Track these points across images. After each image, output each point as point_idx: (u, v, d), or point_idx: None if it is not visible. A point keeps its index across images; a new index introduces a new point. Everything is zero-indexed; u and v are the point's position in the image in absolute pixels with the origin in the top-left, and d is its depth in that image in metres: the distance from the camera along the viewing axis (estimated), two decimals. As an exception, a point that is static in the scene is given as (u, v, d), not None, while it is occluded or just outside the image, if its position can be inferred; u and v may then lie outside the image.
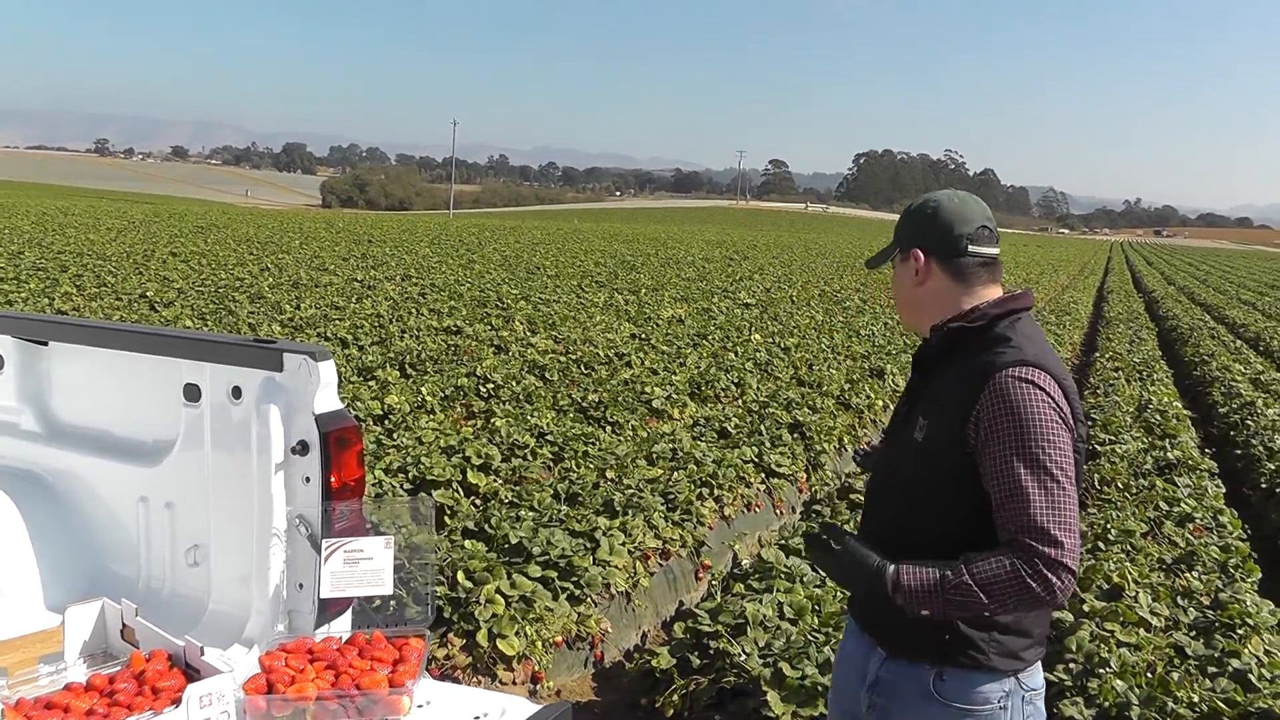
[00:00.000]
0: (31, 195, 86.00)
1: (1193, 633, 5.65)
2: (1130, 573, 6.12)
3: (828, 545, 2.63)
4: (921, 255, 2.75)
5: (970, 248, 2.72)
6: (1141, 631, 5.49)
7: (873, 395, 12.26)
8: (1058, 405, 2.53)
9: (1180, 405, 12.88)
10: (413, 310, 17.79)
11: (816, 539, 2.67)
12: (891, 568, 2.51)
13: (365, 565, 3.09)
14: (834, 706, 3.10)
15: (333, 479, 3.14)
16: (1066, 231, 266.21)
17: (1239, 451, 10.91)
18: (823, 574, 3.05)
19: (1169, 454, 9.56)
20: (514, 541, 5.80)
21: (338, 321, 15.52)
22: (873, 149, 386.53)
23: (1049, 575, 2.38)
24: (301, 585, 3.27)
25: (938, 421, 2.65)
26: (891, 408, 12.89)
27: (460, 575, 5.25)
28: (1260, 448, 10.53)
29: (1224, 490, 9.02)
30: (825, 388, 12.19)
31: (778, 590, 5.48)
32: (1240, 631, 5.57)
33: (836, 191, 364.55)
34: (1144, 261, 75.24)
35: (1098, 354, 18.47)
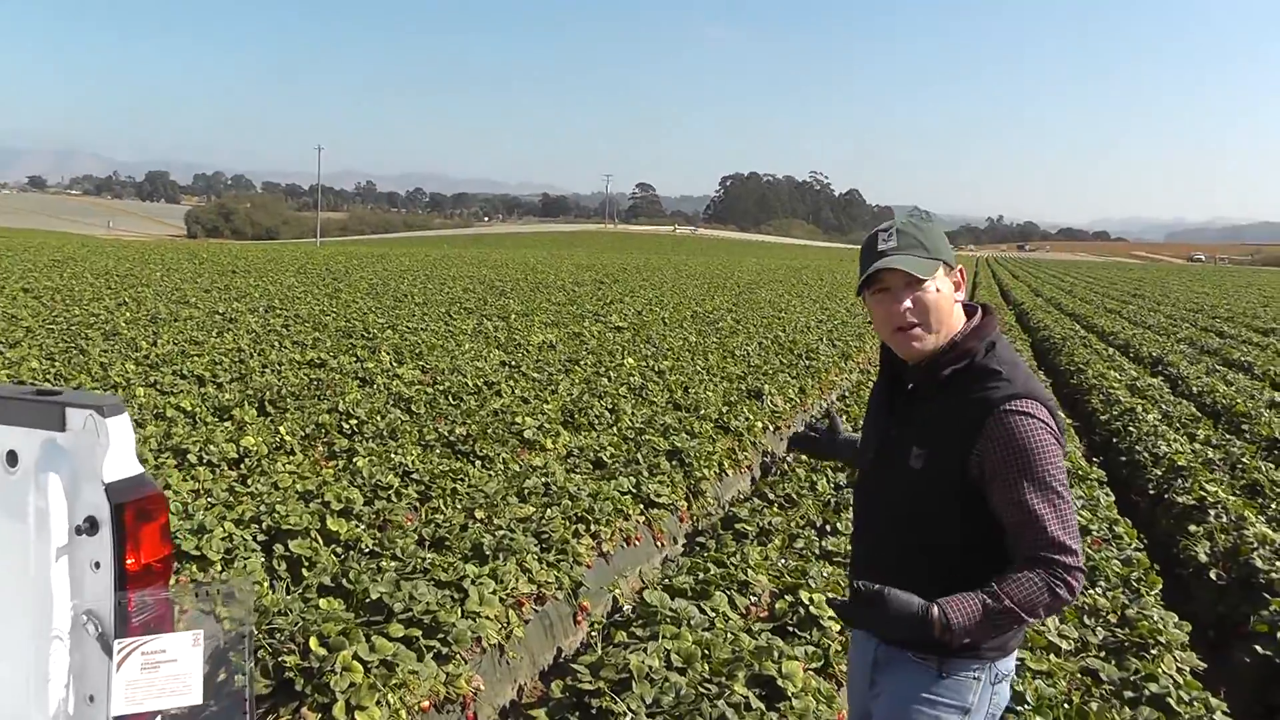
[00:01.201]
0: None
1: (1104, 654, 5.48)
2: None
3: (868, 600, 2.70)
4: (963, 273, 3.00)
5: None
6: (1053, 657, 5.24)
7: (751, 417, 11.93)
8: (1052, 430, 2.79)
9: (1063, 415, 12.78)
10: (275, 343, 17.06)
11: (855, 597, 2.74)
12: (936, 610, 2.67)
13: (168, 670, 2.46)
14: (852, 711, 3.31)
15: (129, 562, 2.49)
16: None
17: (1123, 458, 10.84)
18: (864, 627, 3.13)
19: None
20: (375, 597, 5.28)
21: (196, 358, 14.74)
22: (739, 171, 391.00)
23: (1072, 581, 2.70)
24: (92, 698, 2.58)
25: (937, 452, 2.85)
26: (772, 429, 12.68)
27: (313, 641, 4.71)
28: (1145, 454, 10.47)
29: (1113, 498, 8.88)
30: (703, 411, 11.84)
31: (664, 636, 5.04)
32: (1154, 651, 5.37)
33: (704, 214, 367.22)
34: (1010, 275, 76.78)
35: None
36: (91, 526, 2.52)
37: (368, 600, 5.34)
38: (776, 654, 4.91)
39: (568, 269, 53.52)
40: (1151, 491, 9.64)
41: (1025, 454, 2.71)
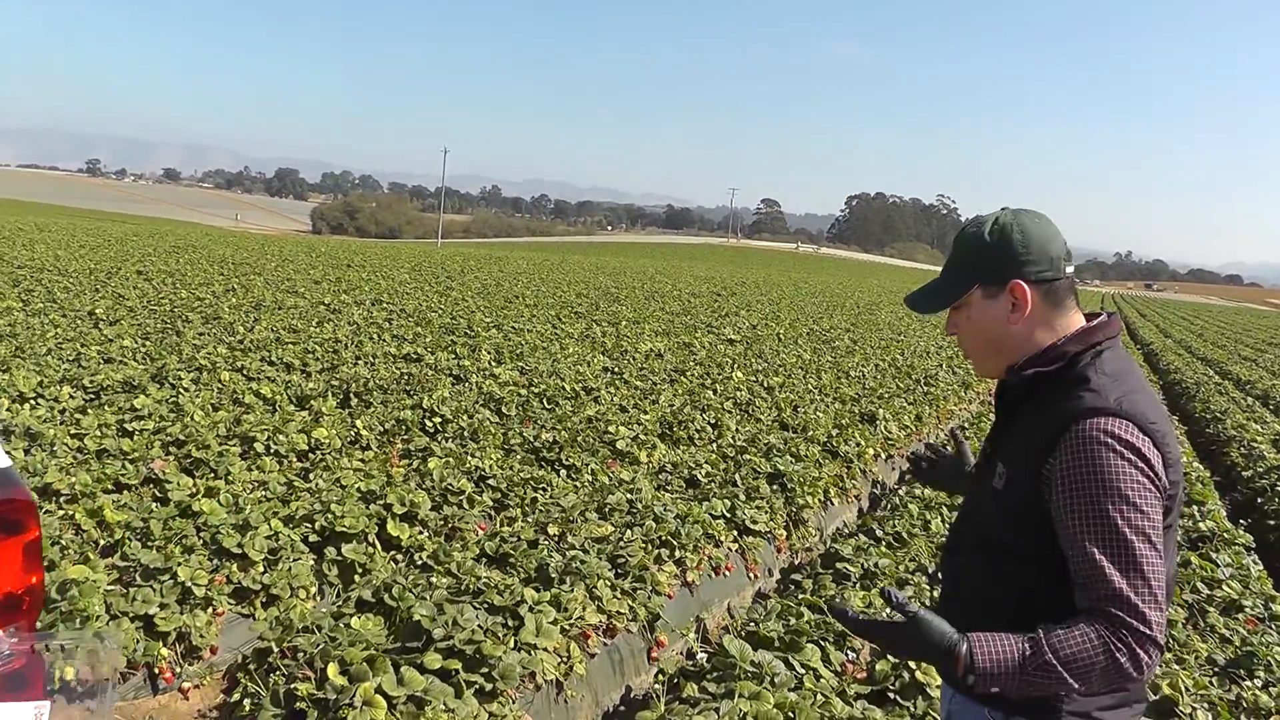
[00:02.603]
0: (15, 213, 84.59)
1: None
2: (1182, 680, 4.99)
3: (888, 619, 2.34)
4: (1026, 288, 2.47)
5: (1066, 268, 2.51)
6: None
7: (863, 442, 11.11)
8: (1144, 457, 2.29)
9: (1202, 467, 11.77)
10: (373, 336, 16.64)
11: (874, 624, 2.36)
12: (964, 645, 2.24)
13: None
14: None
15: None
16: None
17: (1272, 522, 9.77)
18: (881, 647, 2.49)
19: (1200, 524, 8.40)
20: (416, 619, 4.63)
21: (291, 345, 14.36)
22: (865, 191, 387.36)
23: (1138, 651, 2.19)
24: None
25: (1017, 470, 2.45)
26: (884, 457, 11.85)
27: (333, 669, 4.06)
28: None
29: (1263, 568, 7.89)
30: (811, 433, 11.06)
31: (740, 695, 4.29)
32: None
33: (828, 232, 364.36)
34: (1137, 314, 74.24)
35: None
36: None
37: (411, 621, 4.70)
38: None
39: (686, 280, 52.87)
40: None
41: (1092, 483, 2.27)
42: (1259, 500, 10.63)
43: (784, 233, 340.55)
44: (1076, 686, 2.22)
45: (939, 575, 2.84)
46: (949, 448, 3.19)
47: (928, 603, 5.96)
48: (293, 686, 4.00)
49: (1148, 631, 2.19)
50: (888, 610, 2.31)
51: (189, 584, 5.16)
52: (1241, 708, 5.12)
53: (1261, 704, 5.11)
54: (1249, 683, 5.39)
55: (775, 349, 20.52)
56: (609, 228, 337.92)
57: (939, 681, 4.80)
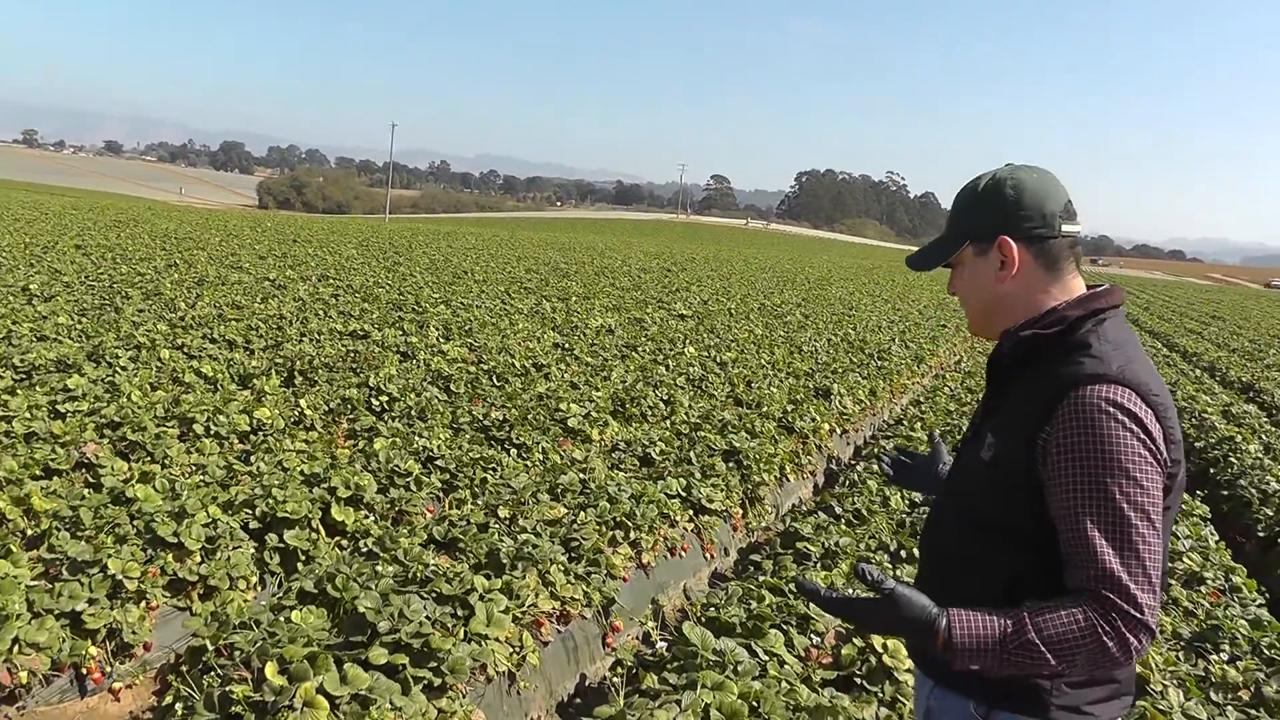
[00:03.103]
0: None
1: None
2: (1152, 657, 4.86)
3: (863, 596, 2.22)
4: (1013, 244, 2.34)
5: (1063, 226, 2.35)
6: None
7: (819, 418, 10.94)
8: (1145, 429, 2.14)
9: (1180, 426, 11.69)
10: (320, 312, 16.29)
11: (842, 601, 2.24)
12: (943, 620, 2.12)
13: None
14: None
15: None
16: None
17: (1225, 492, 9.69)
18: (857, 625, 2.40)
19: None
20: (360, 611, 4.39)
21: (233, 322, 13.99)
22: (815, 168, 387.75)
23: (1128, 635, 2.06)
24: None
25: (1006, 441, 2.30)
26: (839, 432, 11.69)
27: (271, 668, 3.80)
28: (1251, 490, 9.34)
29: (1219, 539, 7.80)
30: (766, 408, 10.88)
31: (702, 685, 4.08)
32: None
33: (778, 209, 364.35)
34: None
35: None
36: None
37: (355, 613, 4.46)
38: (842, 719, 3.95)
39: (636, 255, 52.62)
40: (1261, 534, 8.56)
41: (1095, 452, 2.11)
42: (1211, 471, 10.58)
43: (734, 209, 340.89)
44: (1059, 668, 2.10)
45: (919, 555, 2.69)
46: (923, 449, 3.02)
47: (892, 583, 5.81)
48: (228, 689, 3.75)
49: (1138, 615, 2.06)
50: (858, 588, 2.18)
51: (120, 577, 4.87)
52: (1210, 683, 5.00)
53: (1230, 678, 4.99)
54: (1215, 656, 5.29)
55: (727, 324, 20.35)
56: (558, 203, 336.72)
57: (907, 665, 4.64)
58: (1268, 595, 6.81)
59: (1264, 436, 12.55)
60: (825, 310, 26.79)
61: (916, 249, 2.58)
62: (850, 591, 2.40)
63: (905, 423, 11.30)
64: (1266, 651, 5.39)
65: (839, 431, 11.63)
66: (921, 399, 13.58)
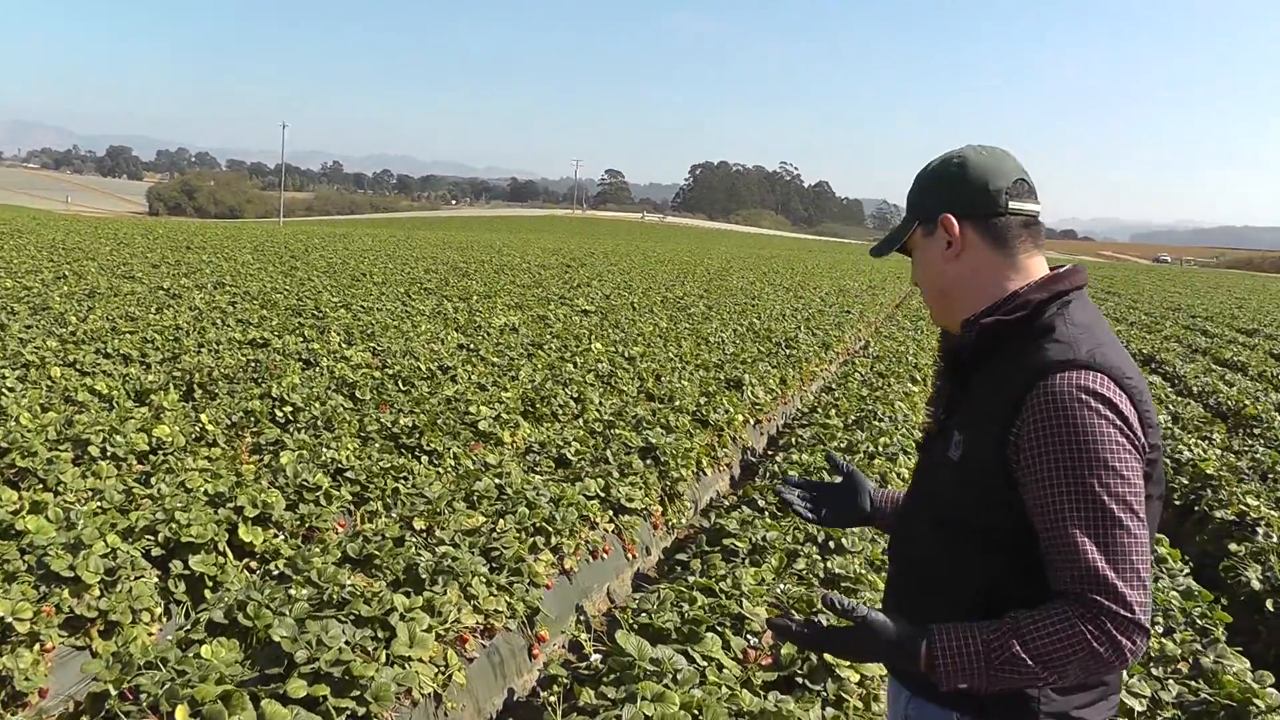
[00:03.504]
0: None
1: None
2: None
3: (836, 626, 2.11)
4: (954, 221, 2.23)
5: (1011, 204, 2.22)
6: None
7: (732, 409, 10.81)
8: (1121, 415, 2.01)
9: (1155, 411, 11.78)
10: (217, 321, 15.81)
11: (803, 629, 2.12)
12: (923, 642, 2.02)
13: None
14: None
15: None
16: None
17: (1141, 467, 9.77)
18: (836, 655, 2.58)
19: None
20: (275, 640, 4.13)
21: (127, 335, 13.49)
22: (709, 160, 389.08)
23: (1119, 638, 1.92)
24: None
25: (975, 438, 2.15)
26: (753, 422, 11.59)
27: (181, 713, 3.51)
28: (1165, 460, 9.41)
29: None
30: (678, 402, 10.72)
31: (642, 698, 3.88)
32: None
33: (673, 201, 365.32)
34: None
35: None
36: None
37: (270, 643, 4.20)
38: (790, 725, 3.78)
39: (534, 252, 52.29)
40: (1178, 503, 8.62)
41: (1070, 444, 1.97)
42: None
43: (629, 203, 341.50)
44: (1048, 677, 1.99)
45: (889, 561, 2.55)
46: (830, 477, 2.82)
47: (823, 575, 5.61)
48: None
49: (1129, 615, 1.92)
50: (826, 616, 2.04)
51: (9, 619, 4.52)
52: (1149, 657, 4.96)
53: (1169, 651, 4.96)
54: (1153, 630, 5.24)
55: (631, 318, 20.18)
56: (454, 202, 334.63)
57: (848, 662, 4.50)
58: (1191, 564, 6.83)
59: (1171, 406, 12.72)
60: (728, 301, 26.75)
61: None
62: (821, 620, 2.22)
63: (819, 409, 11.23)
64: (1199, 622, 5.39)
65: (753, 422, 11.53)
66: (833, 385, 13.53)
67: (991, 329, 2.18)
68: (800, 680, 4.44)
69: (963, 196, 2.23)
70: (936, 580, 2.25)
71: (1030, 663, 1.95)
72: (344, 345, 14.04)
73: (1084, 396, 1.99)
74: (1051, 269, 2.27)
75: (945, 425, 2.30)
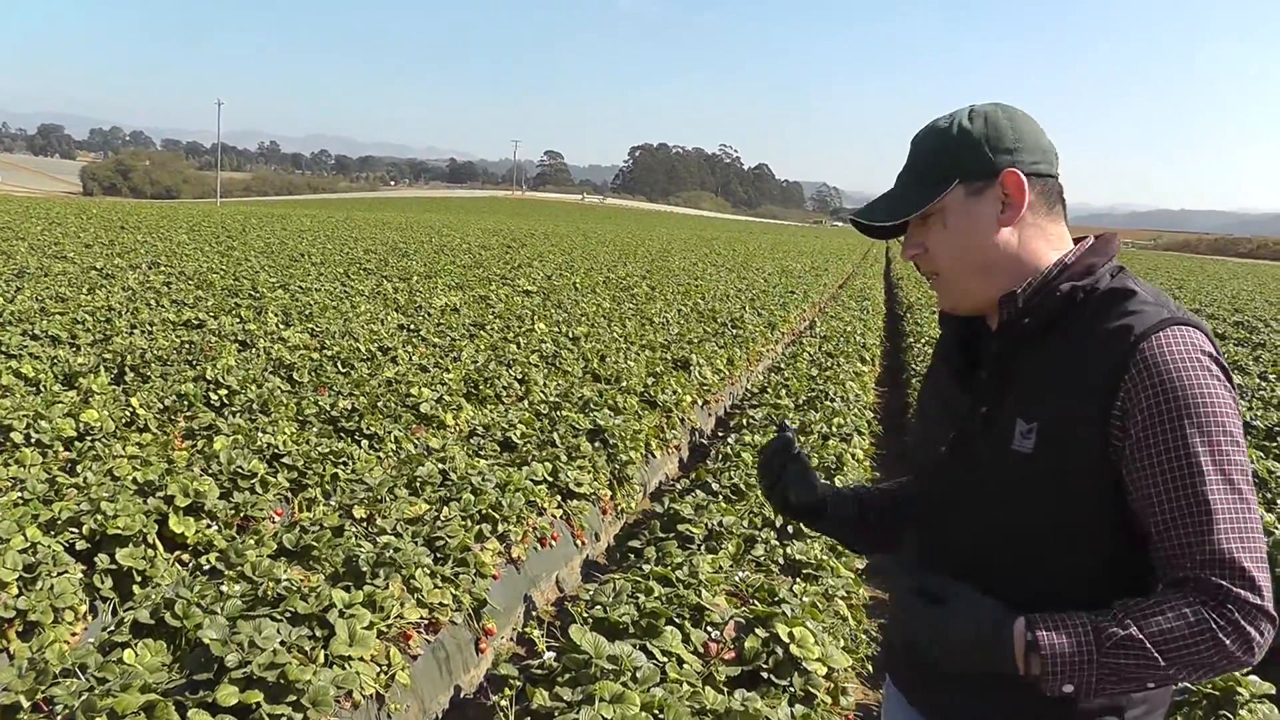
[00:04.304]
0: None
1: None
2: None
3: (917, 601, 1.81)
4: (1022, 178, 1.88)
5: (1056, 166, 1.96)
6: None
7: (680, 390, 10.58)
8: (1226, 373, 1.77)
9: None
10: (151, 302, 15.34)
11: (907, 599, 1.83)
12: (1020, 624, 1.72)
13: None
14: None
15: None
16: (840, 224, 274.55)
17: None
18: (920, 646, 1.82)
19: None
20: (206, 642, 3.83)
21: (58, 316, 13.04)
22: (648, 142, 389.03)
23: (1247, 627, 1.65)
24: None
25: (1058, 423, 1.81)
26: (701, 403, 11.36)
27: (98, 726, 3.23)
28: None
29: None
30: (625, 383, 10.48)
31: (600, 699, 3.63)
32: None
33: (613, 183, 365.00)
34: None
35: (908, 338, 17.28)
36: None
37: (200, 645, 3.90)
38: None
39: (474, 233, 51.82)
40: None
41: (1193, 409, 1.70)
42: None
43: (569, 184, 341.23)
44: (1168, 673, 1.68)
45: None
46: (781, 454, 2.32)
47: (782, 561, 5.34)
48: (47, 754, 3.18)
49: (1257, 601, 1.67)
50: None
51: (-82, 622, 4.20)
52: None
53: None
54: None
55: (574, 299, 19.92)
56: (392, 183, 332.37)
57: (816, 655, 4.28)
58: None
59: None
60: (671, 281, 26.53)
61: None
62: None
63: (770, 390, 11.03)
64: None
65: (700, 403, 11.32)
66: (781, 365, 13.35)
67: (1068, 296, 1.87)
68: (765, 675, 4.21)
69: (1021, 151, 1.91)
70: (997, 594, 1.84)
71: (1148, 646, 1.66)
72: (281, 326, 13.67)
73: (1198, 356, 1.75)
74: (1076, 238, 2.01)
75: (994, 415, 1.93)
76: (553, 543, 6.59)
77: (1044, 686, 1.71)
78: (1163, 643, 1.66)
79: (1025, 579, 1.87)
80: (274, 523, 6.25)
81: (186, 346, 11.23)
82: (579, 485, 7.19)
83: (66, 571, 5.06)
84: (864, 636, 5.21)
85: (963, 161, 1.91)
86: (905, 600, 1.84)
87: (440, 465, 6.91)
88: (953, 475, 2.02)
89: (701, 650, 4.38)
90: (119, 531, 5.30)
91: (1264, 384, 13.19)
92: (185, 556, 5.67)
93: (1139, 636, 1.66)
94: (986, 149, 1.90)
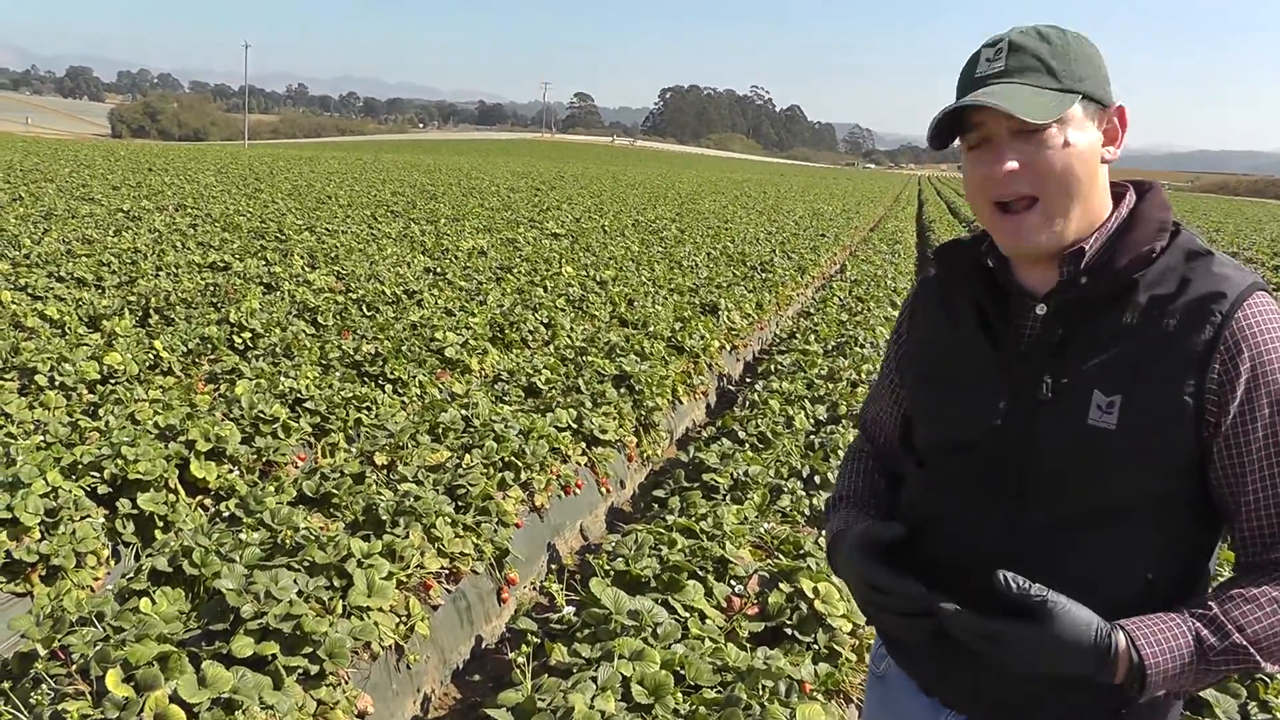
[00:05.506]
0: None
1: None
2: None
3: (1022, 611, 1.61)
4: (1125, 116, 1.74)
5: None
6: None
7: (708, 335, 10.47)
8: None
9: None
10: (177, 244, 15.31)
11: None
12: (1121, 638, 1.58)
13: None
14: None
15: None
16: (873, 166, 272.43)
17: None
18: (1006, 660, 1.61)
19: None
20: (224, 592, 3.77)
21: (84, 258, 13.01)
22: (679, 84, 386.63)
23: None
24: None
25: (1148, 395, 1.64)
26: (729, 349, 11.26)
27: (112, 677, 3.14)
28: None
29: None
30: (653, 328, 10.38)
31: (619, 656, 3.57)
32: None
33: (643, 125, 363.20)
34: (956, 193, 75.25)
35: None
36: None
37: (216, 594, 3.85)
38: (785, 688, 3.46)
39: (503, 175, 51.60)
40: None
41: None
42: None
43: (598, 127, 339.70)
44: (1265, 667, 1.59)
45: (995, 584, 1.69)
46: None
47: (808, 512, 5.23)
48: (61, 707, 3.13)
49: None
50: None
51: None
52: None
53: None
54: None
55: (602, 241, 19.78)
56: (421, 125, 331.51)
57: (841, 611, 4.20)
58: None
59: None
60: (700, 224, 26.32)
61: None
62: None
63: (799, 335, 10.91)
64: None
65: (729, 348, 11.21)
66: (810, 309, 13.21)
67: (1143, 257, 1.69)
68: (789, 631, 4.13)
69: (1108, 86, 1.74)
70: (1077, 584, 1.66)
71: (1251, 650, 1.58)
72: (307, 269, 13.61)
73: None
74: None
75: (1068, 387, 1.71)
76: (577, 491, 6.52)
77: (1137, 693, 1.62)
78: (1263, 642, 1.59)
79: (1089, 559, 1.72)
80: (296, 468, 6.21)
81: (211, 289, 11.19)
82: (604, 432, 7.11)
83: (89, 516, 5.03)
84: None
85: (1088, 78, 1.70)
86: (988, 623, 1.65)
87: (463, 411, 6.84)
88: (1006, 452, 1.79)
89: (725, 605, 4.31)
90: (140, 476, 5.26)
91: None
92: (207, 501, 5.64)
93: (1241, 643, 1.58)
94: (1101, 74, 1.72)
